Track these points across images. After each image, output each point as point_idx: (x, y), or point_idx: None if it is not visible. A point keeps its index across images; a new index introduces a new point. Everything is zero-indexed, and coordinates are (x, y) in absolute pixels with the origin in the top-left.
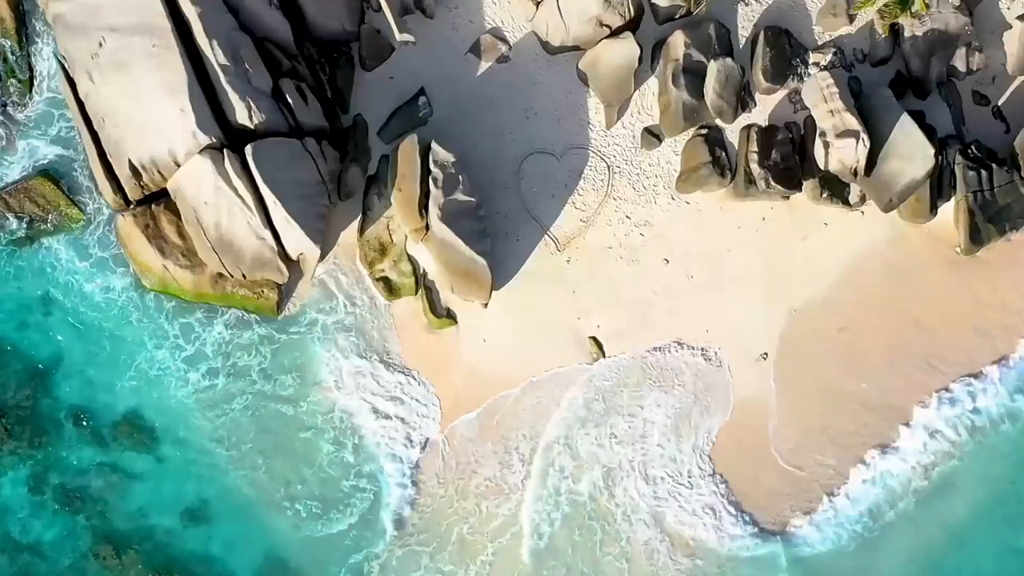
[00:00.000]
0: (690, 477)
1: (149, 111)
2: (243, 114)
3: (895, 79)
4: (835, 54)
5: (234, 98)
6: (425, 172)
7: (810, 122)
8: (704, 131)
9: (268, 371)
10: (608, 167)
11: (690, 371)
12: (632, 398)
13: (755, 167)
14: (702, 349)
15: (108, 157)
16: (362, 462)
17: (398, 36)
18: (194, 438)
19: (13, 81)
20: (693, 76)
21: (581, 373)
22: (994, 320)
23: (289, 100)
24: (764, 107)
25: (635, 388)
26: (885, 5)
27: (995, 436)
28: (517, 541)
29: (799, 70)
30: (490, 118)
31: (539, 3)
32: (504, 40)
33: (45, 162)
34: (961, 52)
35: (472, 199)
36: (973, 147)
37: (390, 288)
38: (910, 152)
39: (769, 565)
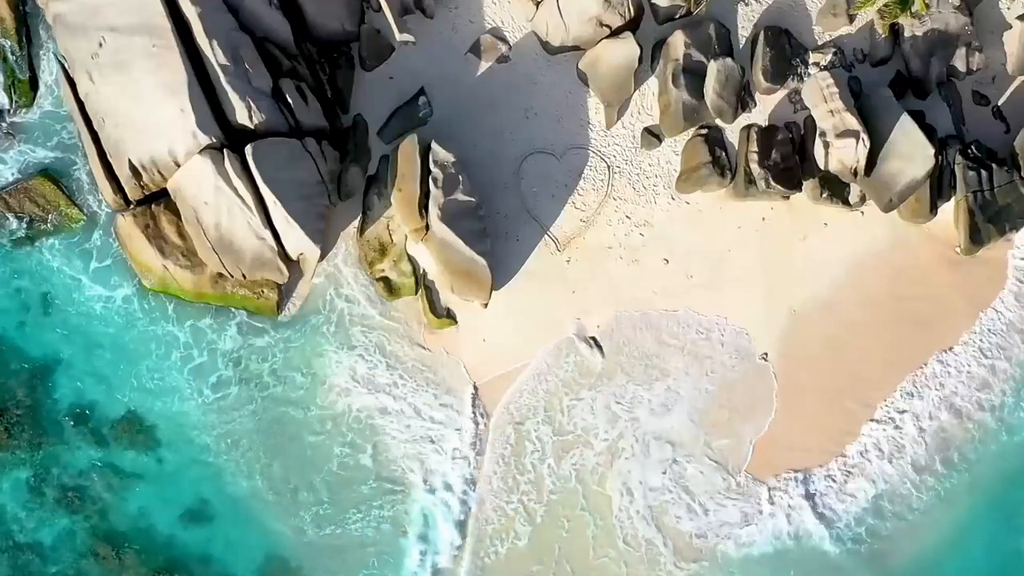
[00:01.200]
0: (719, 471)
1: (149, 111)
2: (243, 114)
3: (895, 79)
4: (835, 54)
5: (234, 98)
6: (425, 172)
7: (810, 122)
8: (704, 131)
9: (279, 372)
10: (608, 167)
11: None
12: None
13: (755, 167)
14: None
15: (108, 157)
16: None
17: (398, 36)
18: (208, 437)
19: (13, 81)
20: (693, 76)
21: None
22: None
23: (289, 100)
24: (764, 107)
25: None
26: (885, 5)
27: (996, 435)
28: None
29: (799, 70)
30: (490, 118)
31: (539, 3)
32: (504, 40)
33: (45, 162)
34: (961, 52)
35: (472, 199)
36: (973, 147)
37: (390, 288)
38: (910, 152)
39: (775, 567)
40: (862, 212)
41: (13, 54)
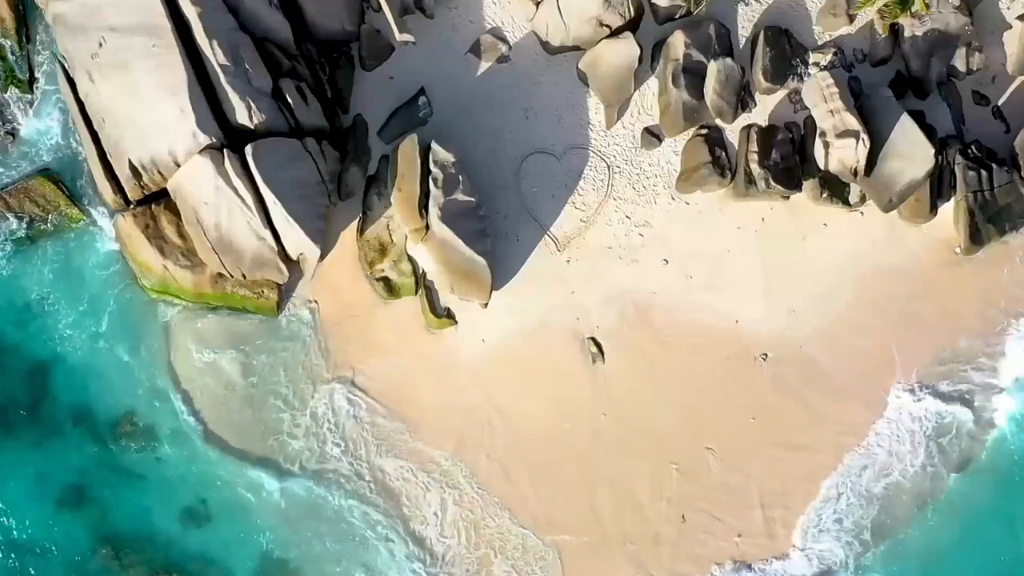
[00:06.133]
0: None
1: (149, 111)
2: (243, 114)
3: (895, 79)
4: (835, 54)
5: (234, 98)
6: (425, 172)
7: (810, 122)
8: (704, 131)
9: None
10: (608, 167)
11: None
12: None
13: (755, 167)
14: None
15: (108, 157)
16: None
17: (398, 36)
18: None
19: (13, 81)
20: (693, 76)
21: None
22: (994, 316)
23: (289, 100)
24: (764, 107)
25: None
26: (885, 5)
27: (1001, 433)
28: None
29: (799, 70)
30: (490, 118)
31: (539, 3)
32: (504, 40)
33: (45, 162)
34: (961, 52)
35: (472, 199)
36: (973, 147)
37: (390, 288)
38: (910, 152)
39: None
40: (862, 212)
41: (13, 54)
